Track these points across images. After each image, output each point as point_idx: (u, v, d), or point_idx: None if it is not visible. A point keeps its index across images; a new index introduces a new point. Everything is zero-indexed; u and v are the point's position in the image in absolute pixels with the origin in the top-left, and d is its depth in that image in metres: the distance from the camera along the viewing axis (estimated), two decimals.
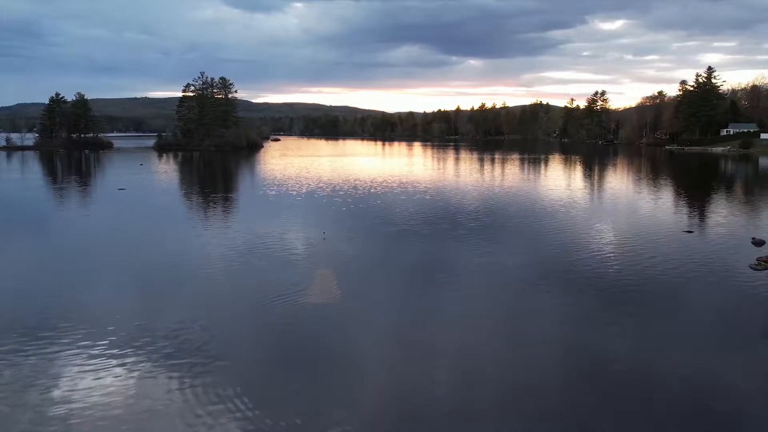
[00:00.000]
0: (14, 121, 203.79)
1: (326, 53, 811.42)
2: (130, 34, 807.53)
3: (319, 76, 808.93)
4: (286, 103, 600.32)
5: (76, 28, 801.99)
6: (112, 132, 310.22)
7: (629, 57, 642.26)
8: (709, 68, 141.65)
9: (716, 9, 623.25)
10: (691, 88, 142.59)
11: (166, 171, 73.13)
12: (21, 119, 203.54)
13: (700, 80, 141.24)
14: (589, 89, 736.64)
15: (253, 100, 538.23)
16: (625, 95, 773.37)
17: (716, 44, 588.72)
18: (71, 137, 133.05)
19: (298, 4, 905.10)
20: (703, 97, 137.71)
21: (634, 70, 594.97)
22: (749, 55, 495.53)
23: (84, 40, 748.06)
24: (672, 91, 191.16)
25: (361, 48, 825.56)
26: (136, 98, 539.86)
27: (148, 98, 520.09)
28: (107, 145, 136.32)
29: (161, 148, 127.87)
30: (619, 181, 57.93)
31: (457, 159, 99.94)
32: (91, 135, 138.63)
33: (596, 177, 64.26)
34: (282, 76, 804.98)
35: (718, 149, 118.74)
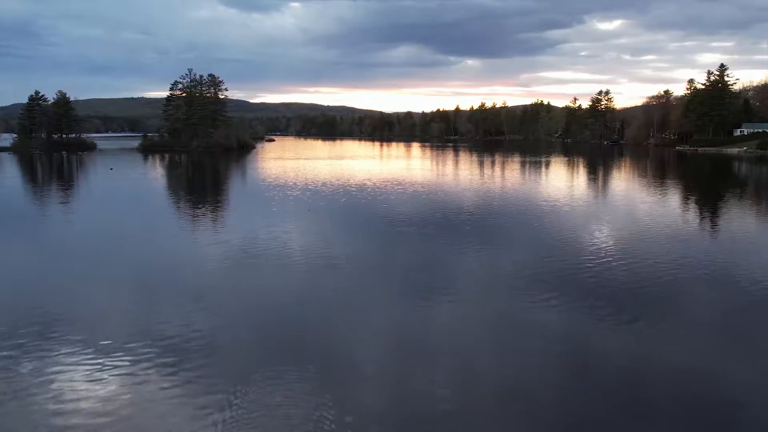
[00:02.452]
0: (9, 121, 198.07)
1: (324, 53, 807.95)
2: (128, 34, 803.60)
3: (316, 75, 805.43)
4: (284, 102, 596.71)
5: (74, 28, 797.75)
6: (106, 132, 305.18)
7: (627, 57, 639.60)
8: (722, 66, 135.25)
9: (714, 9, 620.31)
10: (702, 86, 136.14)
11: (136, 177, 64.67)
12: (16, 119, 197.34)
13: (712, 78, 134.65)
14: (587, 89, 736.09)
15: (251, 100, 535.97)
16: (623, 95, 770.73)
17: (714, 44, 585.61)
18: (52, 138, 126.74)
19: (295, 4, 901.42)
20: (715, 95, 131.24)
21: (632, 70, 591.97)
22: (747, 55, 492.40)
23: (81, 40, 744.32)
24: (674, 90, 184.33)
25: (359, 48, 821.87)
26: (133, 98, 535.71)
27: (145, 98, 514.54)
28: (90, 146, 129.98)
29: (147, 149, 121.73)
30: (672, 195, 44.27)
31: (457, 161, 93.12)
32: (74, 135, 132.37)
33: (632, 186, 55.32)
34: (279, 76, 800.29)
35: (733, 150, 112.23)
